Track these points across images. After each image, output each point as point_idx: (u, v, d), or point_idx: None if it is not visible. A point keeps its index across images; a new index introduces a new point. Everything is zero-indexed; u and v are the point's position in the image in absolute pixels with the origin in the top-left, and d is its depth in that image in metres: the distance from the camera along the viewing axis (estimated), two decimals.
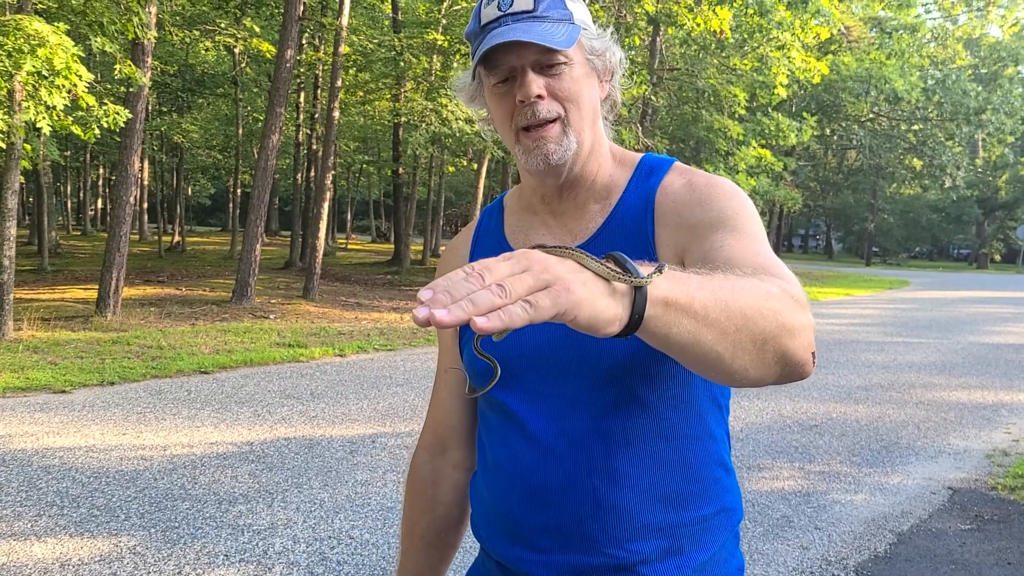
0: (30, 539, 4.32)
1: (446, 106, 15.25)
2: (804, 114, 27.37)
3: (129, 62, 11.42)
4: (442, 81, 18.53)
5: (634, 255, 1.03)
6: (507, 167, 19.30)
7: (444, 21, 20.13)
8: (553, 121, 1.21)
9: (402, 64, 18.18)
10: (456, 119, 15.05)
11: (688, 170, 1.28)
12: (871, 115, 40.05)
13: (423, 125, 15.77)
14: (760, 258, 1.07)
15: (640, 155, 1.33)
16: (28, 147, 10.77)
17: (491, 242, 1.40)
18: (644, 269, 0.82)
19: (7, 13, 10.80)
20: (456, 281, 0.70)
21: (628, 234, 1.24)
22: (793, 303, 0.94)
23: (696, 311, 0.84)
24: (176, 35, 17.48)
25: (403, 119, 19.15)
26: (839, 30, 30.33)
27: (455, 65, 19.85)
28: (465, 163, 25.17)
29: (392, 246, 31.22)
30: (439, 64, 20.08)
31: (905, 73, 31.24)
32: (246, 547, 4.34)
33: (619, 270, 0.82)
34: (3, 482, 5.17)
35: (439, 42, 19.03)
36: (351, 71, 21.49)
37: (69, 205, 41.49)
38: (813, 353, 0.95)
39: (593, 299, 0.76)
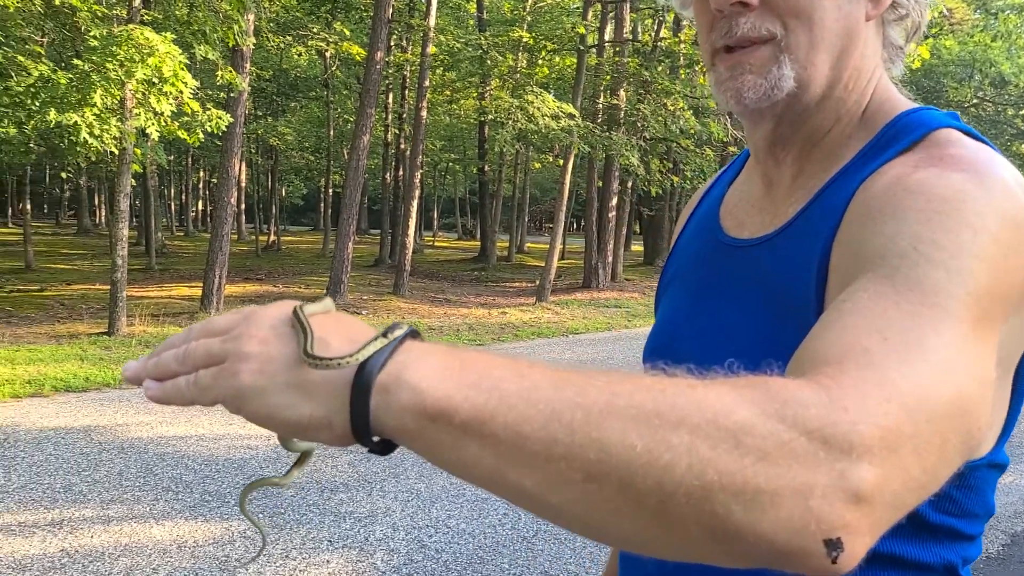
0: (149, 522, 4.59)
1: (532, 103, 15.32)
2: None
3: (230, 68, 11.90)
4: (528, 78, 18.63)
5: (801, 277, 0.83)
6: (592, 162, 19.27)
7: (529, 18, 20.23)
8: (763, 42, 0.85)
9: (488, 62, 18.35)
10: (542, 115, 15.11)
11: (942, 150, 0.80)
12: (975, 100, 38.27)
13: (509, 122, 15.88)
14: (877, 337, 0.61)
15: (902, 109, 0.89)
16: (138, 152, 11.34)
17: (716, 193, 1.09)
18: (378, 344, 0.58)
19: (115, 25, 11.40)
20: (180, 336, 0.65)
21: (815, 237, 0.84)
22: (782, 444, 0.52)
23: (496, 434, 0.54)
24: (272, 41, 18.08)
25: (489, 117, 19.33)
26: (940, 12, 29.13)
27: (540, 62, 19.94)
28: (551, 159, 25.21)
29: (478, 243, 31.54)
30: (524, 61, 20.18)
31: (1012, 55, 29.76)
32: (348, 533, 4.51)
33: (315, 353, 0.57)
34: (123, 468, 5.49)
35: (524, 39, 19.13)
36: (438, 71, 21.80)
37: (173, 207, 43.32)
38: (837, 540, 0.52)
39: (265, 391, 0.58)
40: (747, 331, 0.89)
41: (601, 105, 18.80)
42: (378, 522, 4.69)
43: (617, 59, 18.67)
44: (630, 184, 21.84)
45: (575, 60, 18.90)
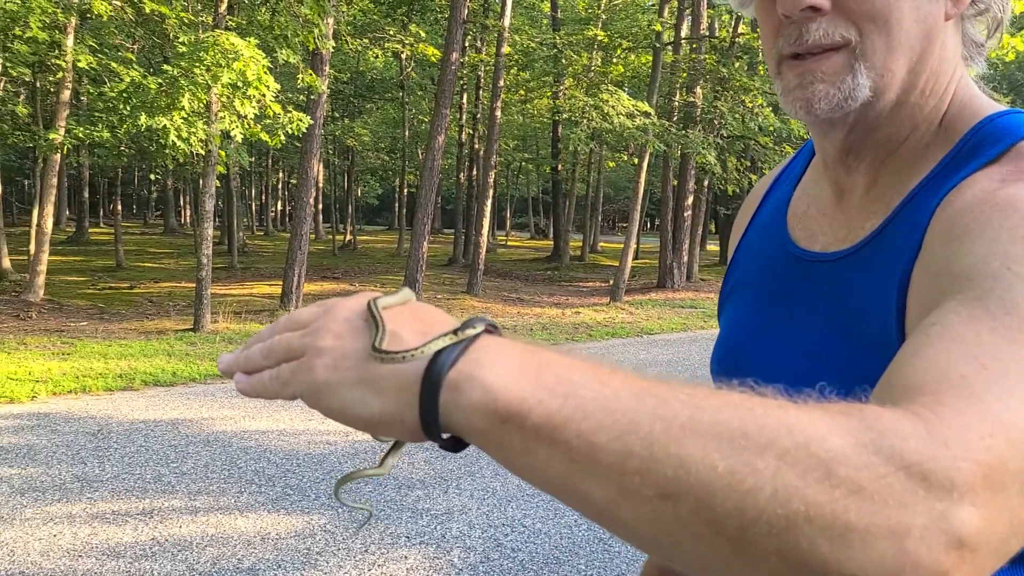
0: (234, 513, 4.72)
1: (607, 101, 15.24)
2: (996, 96, 25.33)
3: (310, 71, 12.15)
4: (602, 77, 18.53)
5: (880, 299, 0.78)
6: (668, 161, 19.06)
7: (604, 16, 20.11)
8: (836, 49, 0.79)
9: (563, 61, 18.33)
10: (617, 114, 15.01)
11: None
12: None
13: (584, 121, 15.84)
14: (974, 364, 0.56)
15: (984, 113, 0.83)
16: (223, 154, 11.68)
17: (781, 194, 1.02)
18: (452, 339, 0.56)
19: (202, 31, 11.76)
20: (268, 329, 0.65)
21: (895, 257, 0.79)
22: (877, 478, 0.48)
23: (569, 442, 0.51)
24: (351, 44, 18.43)
25: (563, 116, 19.31)
26: None
27: (615, 60, 19.80)
28: (626, 158, 25.05)
29: (551, 242, 31.53)
30: (599, 60, 20.08)
31: None
32: (425, 530, 4.55)
33: (386, 347, 0.57)
34: (209, 461, 5.66)
35: (599, 38, 19.03)
36: (512, 70, 21.87)
37: (253, 207, 44.55)
38: None
39: (339, 386, 0.58)
40: (820, 352, 0.84)
41: (677, 103, 18.58)
42: (454, 519, 4.72)
43: (694, 56, 18.42)
44: (706, 183, 21.54)
45: (651, 58, 18.71)
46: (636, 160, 18.23)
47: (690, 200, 19.85)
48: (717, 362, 1.01)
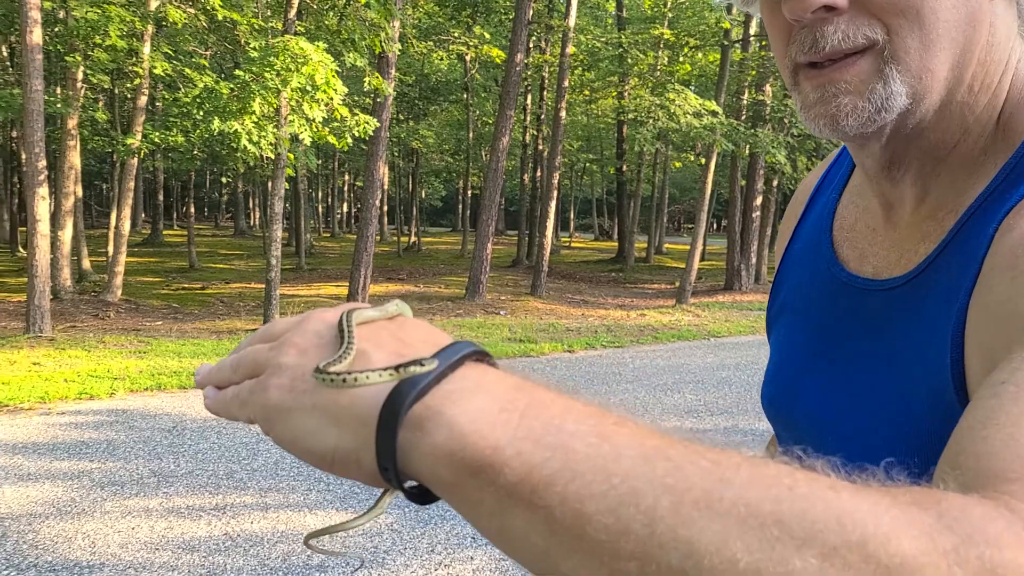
0: (303, 511, 4.77)
1: (673, 101, 15.06)
2: None
3: (376, 74, 12.29)
4: (669, 76, 18.32)
5: (934, 340, 0.67)
6: (736, 160, 18.75)
7: (670, 15, 19.89)
8: (860, 52, 0.66)
9: (628, 61, 18.19)
10: (684, 113, 14.82)
11: None
12: None
13: (649, 121, 15.68)
14: None
15: None
16: (291, 156, 11.89)
17: (826, 200, 0.89)
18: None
19: (271, 37, 12.00)
20: (249, 338, 0.58)
21: (951, 291, 0.67)
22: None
23: (550, 508, 0.41)
24: (416, 47, 18.63)
25: (629, 116, 19.16)
26: None
27: (681, 59, 19.57)
28: (692, 158, 24.74)
29: (615, 244, 31.33)
30: (665, 59, 19.86)
31: None
32: None
33: (336, 368, 0.48)
34: (279, 459, 5.74)
35: (665, 36, 18.83)
36: (577, 71, 21.80)
37: (320, 209, 45.35)
38: None
39: (291, 411, 0.49)
40: (869, 398, 0.73)
41: (746, 101, 18.27)
42: None
43: (763, 53, 18.08)
44: (776, 183, 21.13)
45: (718, 56, 18.45)
46: (703, 160, 17.97)
47: (759, 200, 19.48)
48: (767, 398, 0.91)
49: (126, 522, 4.47)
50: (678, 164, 27.45)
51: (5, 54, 21.20)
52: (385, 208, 36.19)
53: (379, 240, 34.74)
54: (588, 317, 14.42)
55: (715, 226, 54.68)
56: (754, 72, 18.30)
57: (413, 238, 33.24)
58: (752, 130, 16.52)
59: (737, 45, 17.81)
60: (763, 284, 20.69)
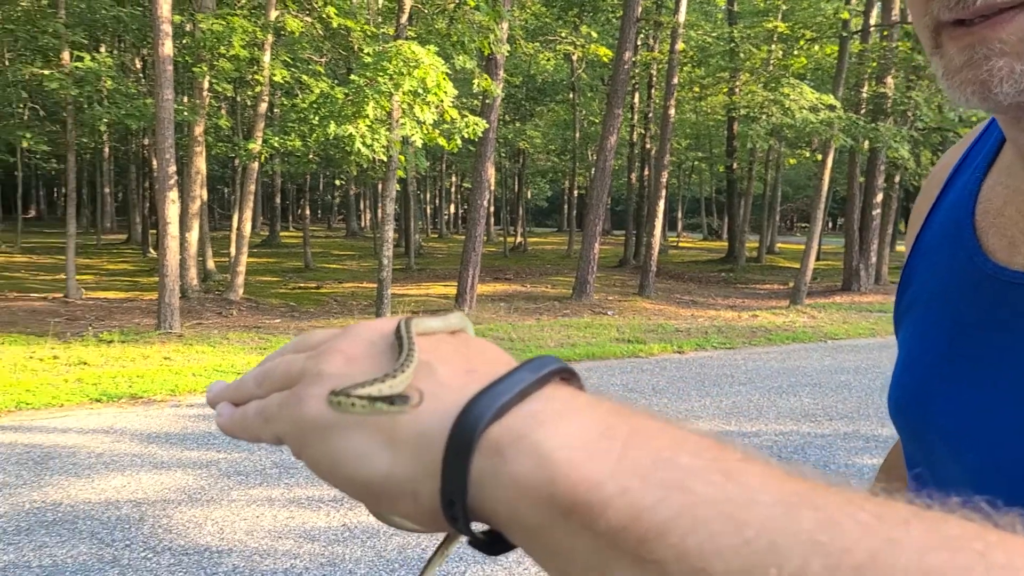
0: None
1: (788, 95, 14.59)
2: None
3: (485, 76, 12.41)
4: (783, 70, 17.78)
5: None
6: (855, 156, 18.02)
7: (784, 7, 19.31)
8: (1017, 6, 0.54)
9: (740, 56, 17.76)
10: (799, 108, 14.34)
11: None
12: None
13: (762, 117, 15.25)
14: None
15: None
16: (403, 159, 12.15)
17: (968, 180, 0.77)
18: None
19: (383, 42, 12.28)
20: (279, 350, 0.51)
21: None
22: None
23: (664, 564, 0.32)
24: (525, 48, 18.76)
25: (740, 112, 18.70)
26: None
27: (796, 52, 18.96)
28: (808, 154, 23.95)
29: (725, 243, 30.66)
30: (780, 52, 19.29)
31: None
32: None
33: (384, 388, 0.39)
34: None
35: (779, 29, 18.28)
36: (686, 67, 21.46)
37: (428, 211, 46.22)
38: None
39: (333, 428, 0.40)
40: (1021, 406, 0.63)
41: (866, 94, 17.53)
42: None
43: (884, 44, 17.30)
44: (897, 179, 20.20)
45: (836, 48, 17.77)
46: (819, 156, 17.37)
47: (879, 197, 18.65)
48: (894, 403, 0.79)
49: (251, 510, 4.66)
50: (792, 161, 26.59)
51: (138, 66, 22.51)
52: (491, 208, 36.55)
53: (486, 240, 35.15)
54: (698, 318, 14.14)
55: (830, 225, 52.76)
56: (875, 64, 17.53)
57: (519, 238, 33.43)
58: (872, 124, 15.82)
59: (856, 36, 17.10)
60: (884, 285, 19.82)
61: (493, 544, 0.39)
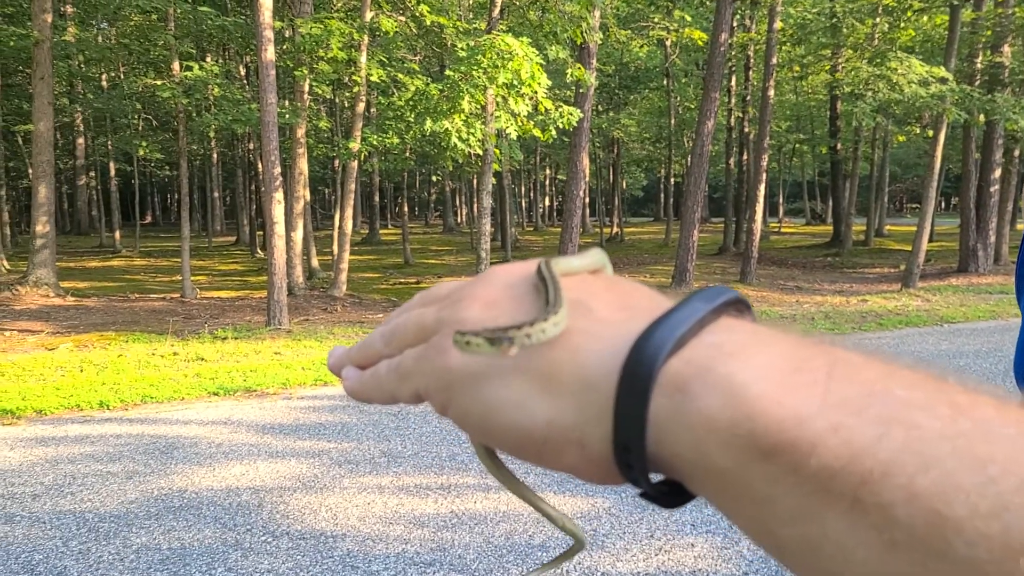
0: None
1: (895, 70, 13.96)
2: None
3: (578, 65, 12.35)
4: (889, 44, 17.02)
5: None
6: (970, 131, 17.10)
7: None
8: None
9: (843, 31, 17.10)
10: (908, 83, 13.69)
11: None
12: None
13: (868, 94, 14.64)
14: None
15: None
16: (498, 152, 12.22)
17: None
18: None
19: (475, 37, 12.37)
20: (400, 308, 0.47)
21: None
22: None
23: (890, 508, 0.27)
24: (618, 34, 18.60)
25: (844, 90, 18.02)
26: None
27: (903, 24, 18.11)
28: (917, 131, 22.88)
29: (830, 227, 29.65)
30: (885, 26, 18.48)
31: None
32: (711, 519, 4.41)
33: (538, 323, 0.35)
34: None
35: (885, 1, 17.51)
36: (785, 46, 20.82)
37: (522, 203, 46.39)
38: None
39: (483, 377, 0.37)
40: None
41: (980, 65, 16.61)
42: None
43: (1000, 11, 16.35)
44: (1016, 152, 19.07)
45: (947, 17, 16.90)
46: (930, 133, 16.56)
47: (997, 173, 17.64)
48: (1021, 375, 0.74)
49: (362, 497, 4.79)
50: (901, 138, 25.45)
51: (242, 73, 23.39)
52: (587, 199, 36.39)
53: (582, 232, 35.03)
54: (803, 304, 13.73)
55: (943, 205, 50.30)
56: (989, 32, 16.58)
57: (615, 228, 33.19)
58: (988, 96, 14.98)
59: (969, 3, 16.21)
60: (1004, 265, 18.77)
61: (671, 496, 0.35)
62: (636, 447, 0.32)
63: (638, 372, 0.32)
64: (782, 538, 0.30)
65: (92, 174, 36.04)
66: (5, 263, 19.31)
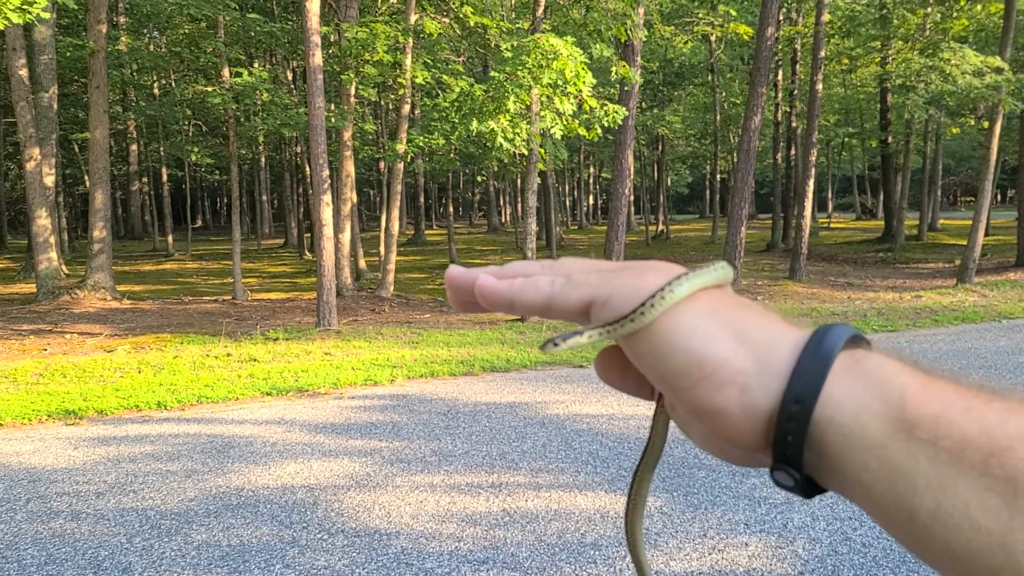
0: (573, 491, 4.89)
1: (948, 60, 13.64)
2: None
3: (623, 63, 12.29)
4: (942, 34, 16.63)
5: None
6: None
7: None
8: None
9: (894, 22, 16.76)
10: (962, 74, 13.37)
11: None
12: None
13: (920, 86, 14.33)
14: None
15: None
16: (543, 151, 12.22)
17: None
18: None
19: (518, 37, 12.39)
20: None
21: None
22: None
23: (1014, 472, 0.33)
24: (662, 31, 18.47)
25: (895, 82, 17.65)
26: None
27: (955, 13, 17.68)
28: (972, 123, 22.32)
29: (881, 222, 29.08)
30: (937, 16, 18.07)
31: None
32: (764, 518, 4.38)
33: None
34: (546, 441, 5.94)
35: None
36: (833, 39, 20.47)
37: (567, 202, 46.30)
38: None
39: (689, 303, 0.43)
40: None
41: None
42: (795, 509, 4.48)
43: None
44: None
45: (1001, 6, 16.46)
46: (985, 124, 16.15)
47: None
48: None
49: (415, 496, 4.84)
50: (955, 131, 24.82)
51: (289, 78, 23.73)
52: (632, 197, 36.16)
53: (627, 229, 34.87)
54: (854, 300, 13.50)
55: (999, 197, 48.96)
56: None
57: (661, 226, 32.96)
58: None
59: None
60: None
61: (807, 485, 0.39)
62: (808, 401, 0.38)
63: (824, 342, 0.39)
64: (916, 509, 0.34)
65: (145, 179, 36.91)
66: (64, 268, 19.88)
